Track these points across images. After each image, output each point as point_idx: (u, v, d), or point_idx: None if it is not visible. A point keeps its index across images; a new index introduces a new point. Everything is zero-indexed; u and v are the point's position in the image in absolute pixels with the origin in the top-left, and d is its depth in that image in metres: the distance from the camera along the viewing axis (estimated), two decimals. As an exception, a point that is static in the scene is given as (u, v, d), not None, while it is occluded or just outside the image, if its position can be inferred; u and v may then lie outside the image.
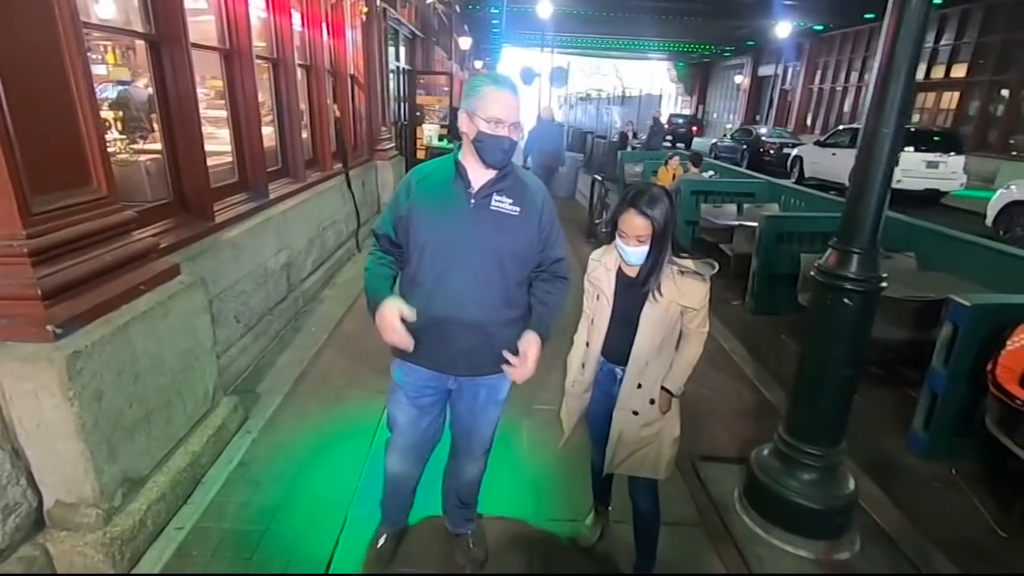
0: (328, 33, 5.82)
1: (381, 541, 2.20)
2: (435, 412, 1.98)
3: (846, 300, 2.13)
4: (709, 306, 1.80)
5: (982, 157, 13.98)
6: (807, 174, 13.57)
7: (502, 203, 1.72)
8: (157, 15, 2.94)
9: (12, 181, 1.75)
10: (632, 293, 1.78)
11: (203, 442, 2.53)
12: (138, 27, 2.94)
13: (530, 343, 1.72)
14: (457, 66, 22.77)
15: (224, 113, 3.92)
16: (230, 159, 3.96)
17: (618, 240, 1.76)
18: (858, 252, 2.10)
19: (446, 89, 11.54)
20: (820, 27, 21.11)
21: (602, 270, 1.85)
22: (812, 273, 2.25)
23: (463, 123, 1.70)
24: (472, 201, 1.71)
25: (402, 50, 11.02)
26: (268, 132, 4.52)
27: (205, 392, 2.64)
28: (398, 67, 10.32)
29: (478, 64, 29.65)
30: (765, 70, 27.63)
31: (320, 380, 3.49)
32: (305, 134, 5.37)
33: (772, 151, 16.47)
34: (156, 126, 3.14)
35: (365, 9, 7.06)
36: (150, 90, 3.11)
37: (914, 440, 3.17)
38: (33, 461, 1.88)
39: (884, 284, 2.15)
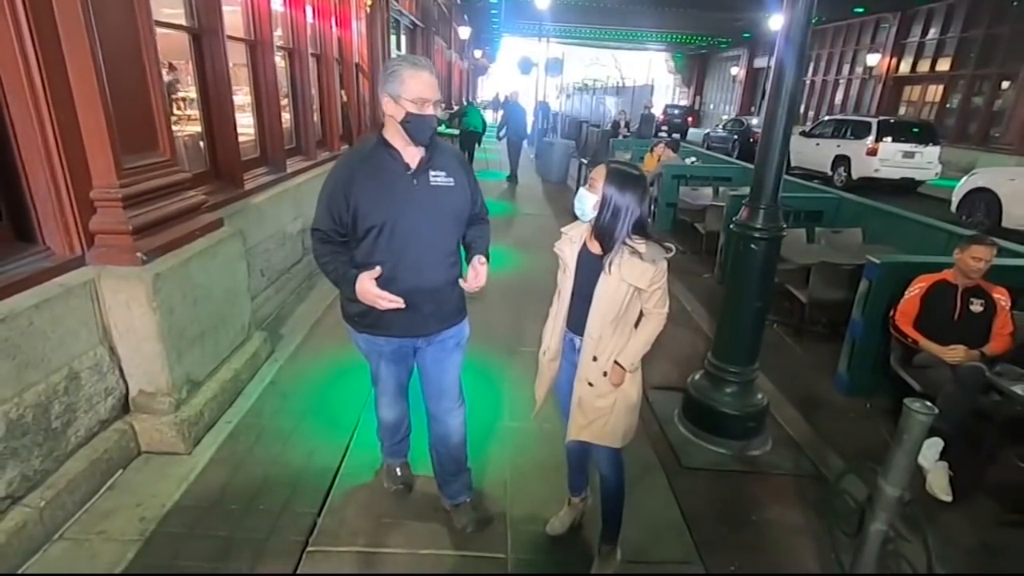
0: (336, 24, 6.33)
1: (399, 470, 2.41)
2: (409, 356, 2.14)
3: (753, 246, 2.71)
4: (680, 281, 1.94)
5: (962, 149, 14.45)
6: (793, 163, 13.75)
7: (438, 177, 1.86)
8: (199, 12, 3.49)
9: (111, 143, 2.31)
10: (592, 267, 1.82)
11: (242, 363, 3.11)
12: (183, 22, 3.48)
13: (481, 260, 1.96)
14: (456, 55, 23.13)
15: (248, 98, 4.46)
16: (253, 137, 4.52)
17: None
18: (763, 207, 2.67)
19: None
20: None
21: (567, 242, 1.90)
22: (731, 226, 2.82)
23: (388, 107, 1.78)
24: (414, 181, 1.84)
25: (403, 39, 11.50)
26: (284, 115, 5.05)
27: (242, 324, 3.21)
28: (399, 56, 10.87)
29: (477, 53, 29.94)
30: (760, 62, 27.80)
31: (333, 325, 4.06)
32: (316, 117, 5.91)
33: (762, 141, 16.82)
34: (194, 106, 3.69)
35: (369, 1, 7.56)
36: (170, 77, 3.65)
37: (839, 381, 3.75)
38: (123, 357, 2.46)
39: (784, 233, 2.72)
